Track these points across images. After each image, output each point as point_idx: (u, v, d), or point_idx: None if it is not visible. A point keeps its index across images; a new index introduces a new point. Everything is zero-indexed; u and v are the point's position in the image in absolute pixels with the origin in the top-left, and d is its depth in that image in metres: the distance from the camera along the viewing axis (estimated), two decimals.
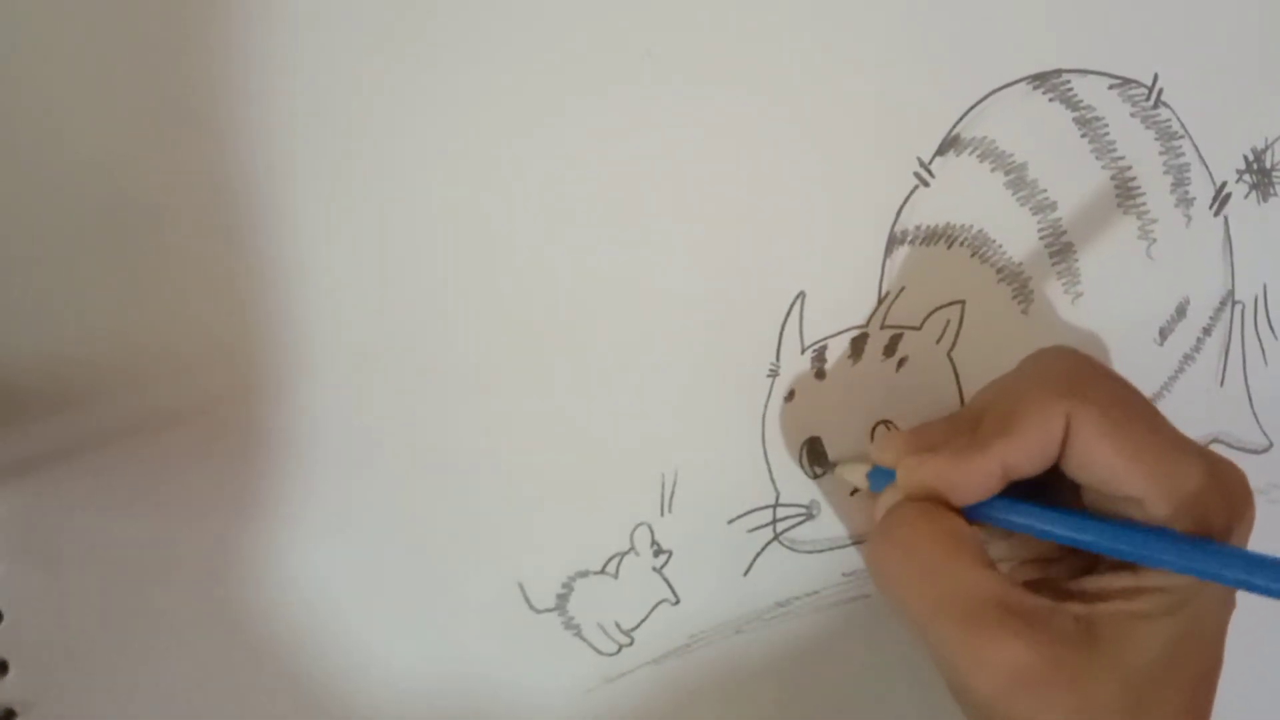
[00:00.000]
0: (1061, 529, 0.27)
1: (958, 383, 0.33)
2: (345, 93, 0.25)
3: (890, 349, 0.32)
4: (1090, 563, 0.29)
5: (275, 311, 0.26)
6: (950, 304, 0.32)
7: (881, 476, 0.30)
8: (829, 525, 0.33)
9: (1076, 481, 0.27)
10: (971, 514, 0.28)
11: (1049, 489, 0.28)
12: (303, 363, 0.26)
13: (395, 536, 0.28)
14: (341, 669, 0.29)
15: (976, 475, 0.27)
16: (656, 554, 0.31)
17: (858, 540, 0.33)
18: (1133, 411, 0.27)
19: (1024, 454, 0.27)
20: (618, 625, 0.32)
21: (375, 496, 0.28)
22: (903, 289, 0.31)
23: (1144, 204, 0.33)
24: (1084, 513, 0.28)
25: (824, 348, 0.31)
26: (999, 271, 0.32)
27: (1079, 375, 0.28)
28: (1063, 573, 0.29)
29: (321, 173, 0.25)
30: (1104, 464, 0.26)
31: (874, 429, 0.32)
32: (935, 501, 0.27)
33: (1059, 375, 0.28)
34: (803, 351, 0.31)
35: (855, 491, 0.32)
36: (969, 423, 0.28)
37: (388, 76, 0.25)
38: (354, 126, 0.25)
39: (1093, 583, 0.27)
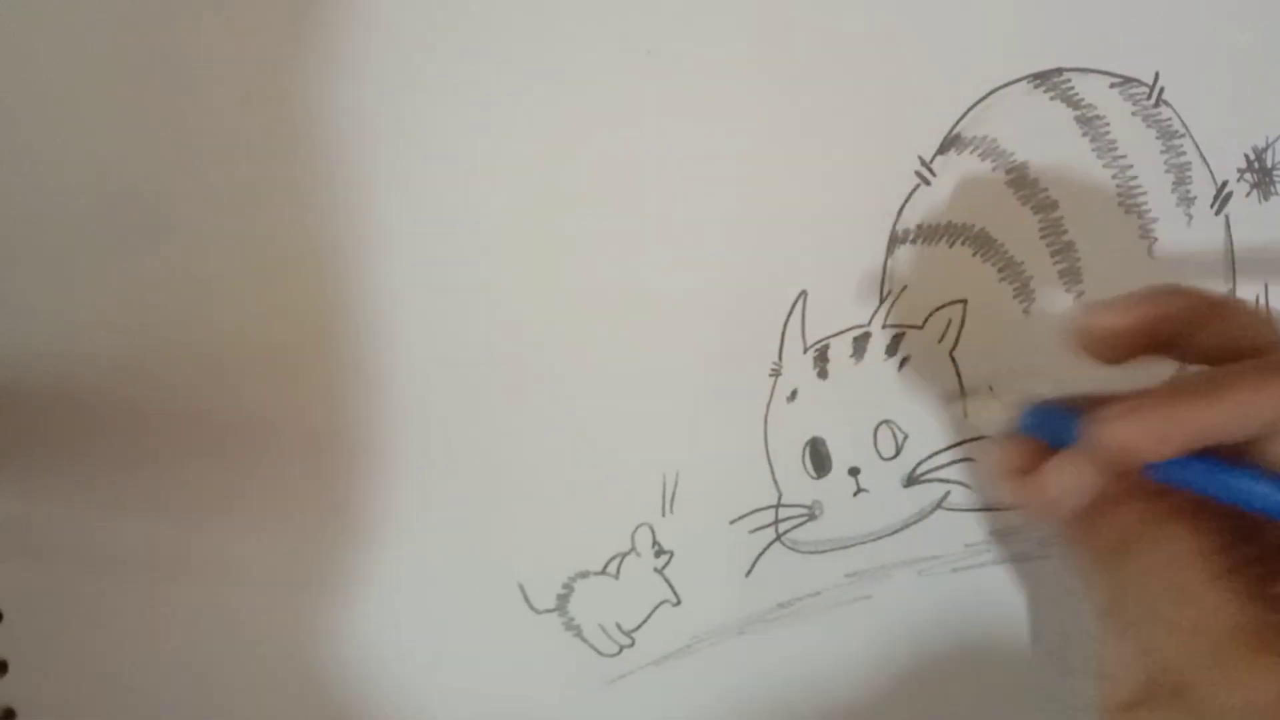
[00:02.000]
0: None
1: (960, 382, 0.33)
2: (350, 92, 0.25)
3: (892, 348, 0.31)
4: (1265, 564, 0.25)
5: (278, 311, 0.26)
6: (952, 303, 0.32)
7: (1048, 418, 0.25)
8: (832, 526, 0.33)
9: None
10: (1159, 474, 0.24)
11: None
12: (306, 363, 0.26)
13: (395, 536, 0.28)
14: (340, 667, 0.29)
15: (1214, 417, 0.23)
16: (658, 554, 0.31)
17: (863, 540, 0.33)
18: None
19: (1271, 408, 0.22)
20: (618, 626, 0.32)
21: (374, 496, 0.28)
22: (904, 288, 0.31)
23: (1145, 203, 0.33)
24: None
25: (826, 347, 0.31)
26: (1000, 270, 0.32)
27: None
28: (1261, 572, 0.25)
29: (322, 172, 0.25)
30: None
31: (876, 428, 0.32)
32: (1161, 492, 0.24)
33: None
34: (805, 351, 0.31)
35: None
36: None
37: (391, 75, 0.25)
38: (356, 125, 0.25)
39: None
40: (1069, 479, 0.24)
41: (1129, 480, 0.24)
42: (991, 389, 0.32)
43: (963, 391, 0.31)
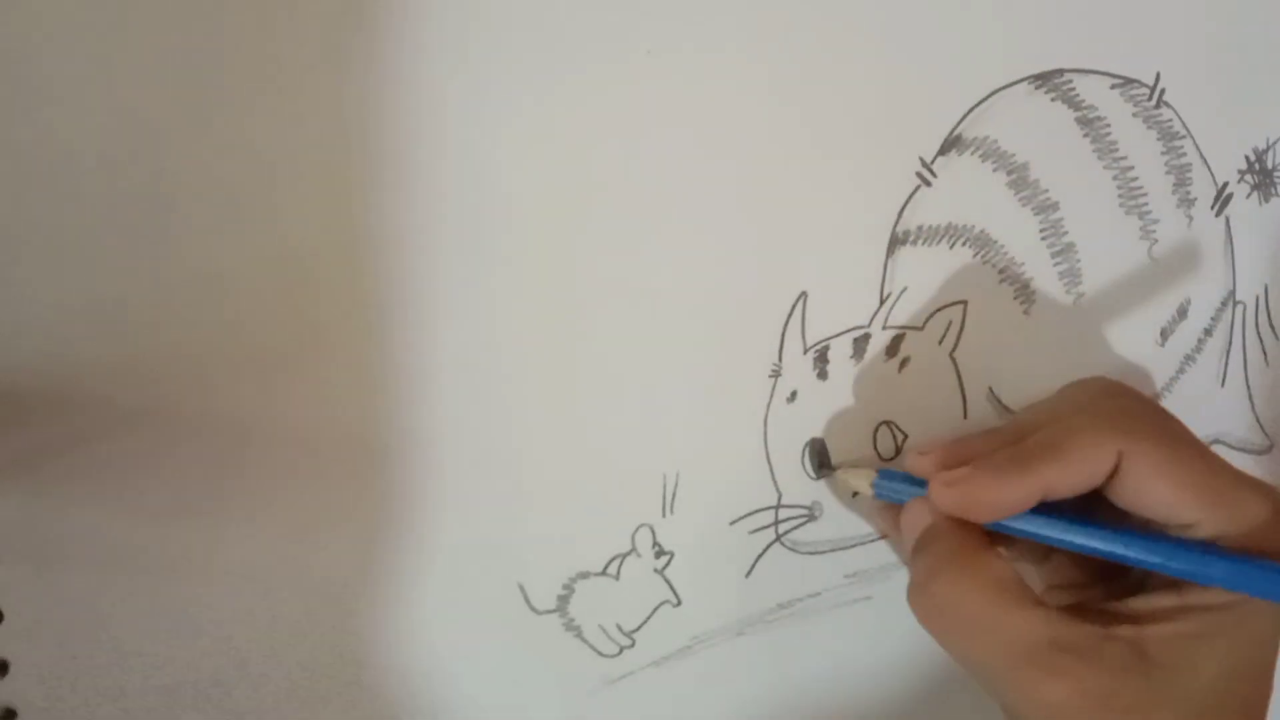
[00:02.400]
0: (1106, 545, 0.27)
1: (960, 383, 0.33)
2: (353, 94, 0.25)
3: (893, 350, 0.31)
4: (1125, 587, 0.28)
5: (280, 312, 0.26)
6: (952, 304, 0.32)
7: (894, 485, 0.30)
8: (831, 527, 0.33)
9: (1122, 508, 0.28)
10: (999, 527, 0.28)
11: (1071, 506, 0.28)
12: (307, 365, 0.26)
13: (395, 537, 0.28)
14: (339, 667, 0.29)
15: (1015, 493, 0.27)
16: (658, 555, 0.31)
17: (863, 541, 0.33)
18: (1189, 450, 0.27)
19: (1068, 480, 0.27)
20: (619, 627, 0.32)
21: (374, 497, 0.28)
22: (905, 289, 0.31)
23: (1145, 204, 0.33)
24: (1128, 529, 0.27)
25: (826, 348, 0.31)
26: (1001, 272, 0.32)
27: (1133, 412, 0.28)
28: (1098, 596, 0.29)
29: (327, 172, 0.25)
30: (1159, 498, 0.26)
31: (876, 430, 0.32)
32: (969, 528, 0.28)
33: (1113, 411, 0.28)
34: (805, 352, 0.31)
35: (856, 494, 0.32)
36: (1007, 441, 0.28)
37: (392, 75, 0.25)
38: (361, 126, 0.25)
39: (1140, 603, 0.27)
40: (911, 520, 0.29)
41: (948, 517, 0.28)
42: (991, 388, 0.32)
43: (833, 465, 0.32)
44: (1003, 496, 0.27)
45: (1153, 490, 0.26)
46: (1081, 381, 0.30)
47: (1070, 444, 0.27)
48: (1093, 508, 0.28)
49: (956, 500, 0.28)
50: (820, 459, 0.32)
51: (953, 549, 0.27)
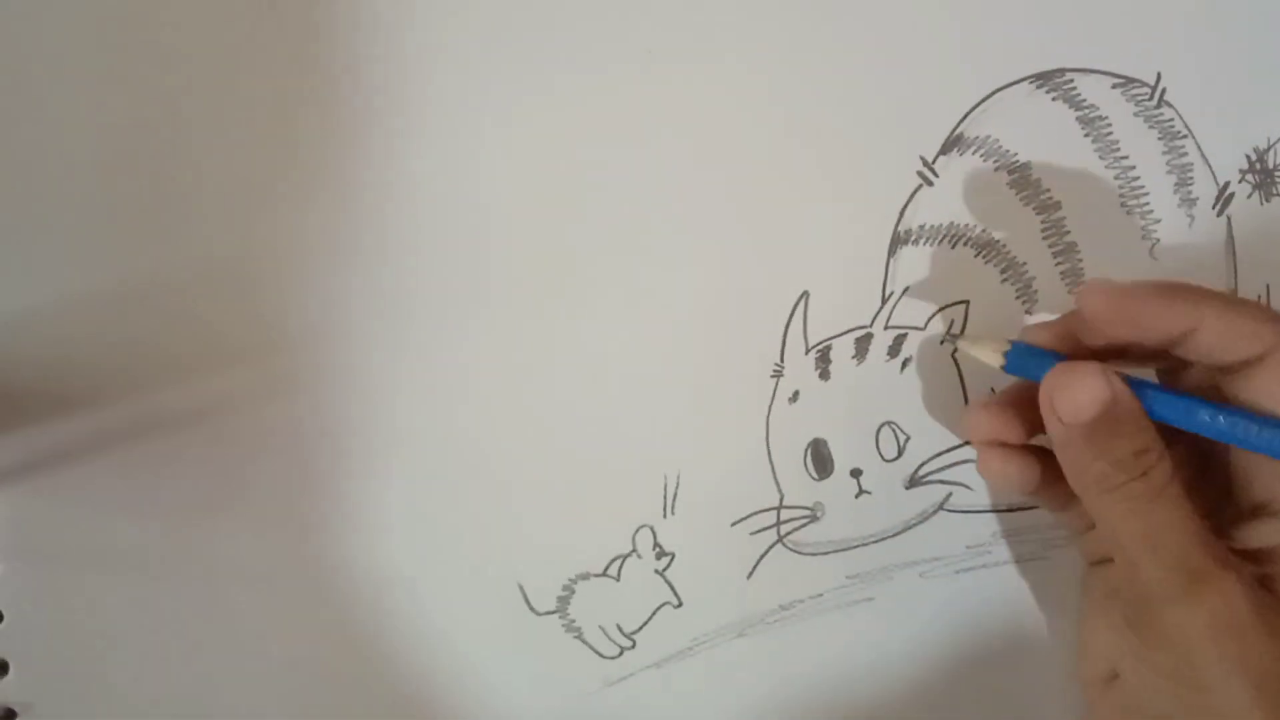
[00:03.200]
0: (1254, 433, 0.26)
1: (962, 383, 0.32)
2: (348, 93, 0.25)
3: (894, 349, 0.31)
4: (1226, 519, 0.28)
5: (278, 311, 0.26)
6: (954, 304, 0.32)
7: (1029, 358, 0.28)
8: (834, 527, 0.33)
9: (1245, 404, 0.27)
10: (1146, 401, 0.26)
11: None
12: (306, 363, 0.26)
13: (395, 537, 0.28)
14: (339, 667, 0.29)
15: (1173, 313, 0.26)
16: (659, 556, 0.31)
17: (865, 542, 0.33)
18: None
19: (1220, 335, 0.26)
20: (619, 628, 0.32)
21: (375, 497, 0.28)
22: (906, 289, 0.31)
23: (1147, 204, 0.33)
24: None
25: (828, 348, 0.31)
26: (1002, 271, 0.32)
27: None
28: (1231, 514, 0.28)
29: (322, 172, 0.25)
30: None
31: (878, 430, 0.32)
32: (1141, 420, 0.26)
33: (1269, 309, 0.27)
34: (807, 352, 0.31)
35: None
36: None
37: (388, 73, 0.25)
38: (353, 125, 0.25)
39: (1258, 538, 0.27)
40: (1073, 385, 0.26)
41: (1128, 416, 0.26)
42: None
43: (962, 331, 0.31)
44: (1164, 312, 0.26)
45: None
46: None
47: (1232, 310, 0.26)
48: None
49: (1116, 305, 0.26)
50: (822, 460, 0.32)
51: (1146, 445, 0.26)
